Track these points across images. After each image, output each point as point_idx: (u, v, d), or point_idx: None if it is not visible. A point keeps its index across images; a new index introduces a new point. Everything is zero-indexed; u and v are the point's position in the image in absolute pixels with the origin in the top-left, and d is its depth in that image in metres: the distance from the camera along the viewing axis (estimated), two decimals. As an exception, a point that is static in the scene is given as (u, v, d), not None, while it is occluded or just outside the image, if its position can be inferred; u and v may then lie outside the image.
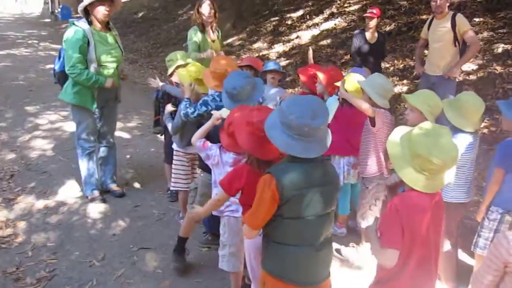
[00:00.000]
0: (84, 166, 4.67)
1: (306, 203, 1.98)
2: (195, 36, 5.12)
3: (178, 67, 4.28)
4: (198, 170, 3.95)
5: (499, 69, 6.33)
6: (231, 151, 2.74)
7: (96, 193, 4.70)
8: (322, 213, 2.07)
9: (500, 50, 6.64)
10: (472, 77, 6.45)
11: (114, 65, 4.48)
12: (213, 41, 5.25)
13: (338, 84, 3.68)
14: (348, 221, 4.17)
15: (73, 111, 4.56)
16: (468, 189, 3.07)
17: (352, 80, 3.62)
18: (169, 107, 3.97)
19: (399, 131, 2.11)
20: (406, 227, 1.92)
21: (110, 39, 4.44)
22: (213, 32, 5.25)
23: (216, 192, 2.89)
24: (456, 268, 3.23)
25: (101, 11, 4.24)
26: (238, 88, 2.92)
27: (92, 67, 4.27)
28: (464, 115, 2.93)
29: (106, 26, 4.43)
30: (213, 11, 5.08)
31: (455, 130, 2.95)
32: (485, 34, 7.09)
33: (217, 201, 2.63)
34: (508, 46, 6.61)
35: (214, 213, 2.95)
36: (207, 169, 3.16)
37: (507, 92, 5.79)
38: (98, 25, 4.32)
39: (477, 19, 7.42)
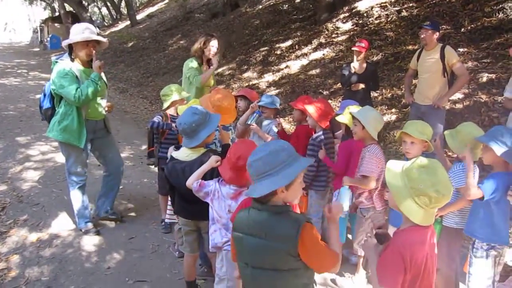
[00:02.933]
0: (77, 198, 4.65)
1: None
2: (197, 70, 5.25)
3: (174, 102, 4.42)
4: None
5: (484, 97, 6.51)
6: (233, 184, 2.78)
7: (90, 225, 4.68)
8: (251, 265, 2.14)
9: (484, 79, 6.84)
10: (459, 105, 6.61)
11: (99, 98, 4.51)
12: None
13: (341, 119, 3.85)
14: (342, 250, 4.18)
15: (61, 146, 4.56)
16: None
17: (351, 111, 3.78)
18: (172, 150, 3.93)
19: (395, 164, 2.17)
20: (409, 265, 1.96)
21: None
22: (209, 66, 5.37)
23: (215, 228, 2.92)
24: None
25: (84, 51, 4.27)
26: (182, 124, 3.05)
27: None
28: (466, 144, 3.06)
29: (89, 62, 4.41)
30: (217, 49, 5.26)
31: (459, 159, 3.15)
32: (470, 64, 7.30)
33: None
34: (492, 75, 6.81)
35: (211, 248, 2.97)
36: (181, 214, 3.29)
37: (493, 120, 5.94)
38: (80, 62, 4.33)
39: (461, 49, 7.65)
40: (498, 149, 2.82)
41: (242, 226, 2.08)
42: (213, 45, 5.22)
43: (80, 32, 4.22)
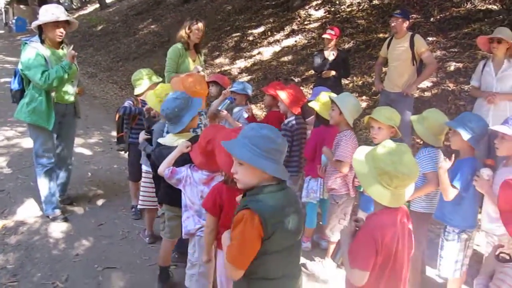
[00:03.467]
0: (44, 184, 4.55)
1: (286, 233, 1.95)
2: (176, 52, 5.06)
3: (150, 88, 4.36)
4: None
5: (451, 86, 6.66)
6: (204, 169, 2.77)
7: (58, 212, 4.58)
8: (297, 239, 2.07)
9: (452, 68, 6.99)
10: (427, 93, 6.75)
11: (69, 83, 4.45)
12: (194, 60, 5.21)
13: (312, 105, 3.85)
14: (313, 235, 4.25)
15: (29, 128, 4.48)
16: (435, 201, 3.23)
17: (323, 97, 3.81)
18: (143, 135, 3.80)
19: (362, 150, 2.21)
20: (380, 248, 2.00)
21: (63, 56, 4.38)
22: (197, 53, 5.26)
23: (187, 215, 2.90)
24: (420, 277, 3.36)
25: (55, 32, 4.21)
26: (165, 109, 3.06)
27: None
28: (434, 131, 3.17)
29: (59, 44, 4.38)
30: (202, 32, 5.12)
31: (425, 145, 3.24)
32: (438, 53, 7.45)
33: (209, 229, 2.63)
34: (460, 65, 6.97)
35: (184, 235, 2.96)
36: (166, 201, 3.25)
37: (459, 108, 6.09)
38: (50, 43, 4.28)
39: (430, 38, 7.79)
40: (465, 134, 2.90)
41: (287, 208, 1.96)
42: (197, 28, 5.03)
43: (49, 12, 4.14)
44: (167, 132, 3.36)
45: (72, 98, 4.55)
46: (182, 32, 5.08)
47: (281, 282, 2.02)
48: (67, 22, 4.27)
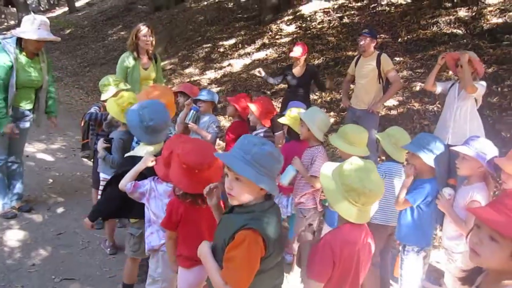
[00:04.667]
0: None
1: (280, 249, 1.96)
2: (126, 61, 4.98)
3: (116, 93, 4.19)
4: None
5: (416, 105, 6.84)
6: (169, 181, 2.68)
7: (7, 208, 4.56)
8: (282, 254, 2.08)
9: (418, 88, 7.18)
10: (393, 112, 6.90)
11: (32, 90, 4.50)
12: (146, 69, 5.10)
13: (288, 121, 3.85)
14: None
15: None
16: (392, 214, 3.27)
17: (293, 112, 3.83)
18: (102, 144, 3.70)
19: (329, 166, 2.22)
20: (338, 260, 2.00)
21: (33, 64, 4.40)
22: (149, 59, 5.14)
23: (151, 231, 2.83)
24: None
25: (34, 46, 4.31)
26: (157, 120, 2.92)
27: (11, 90, 4.23)
28: (397, 147, 3.27)
29: (35, 52, 4.42)
30: (151, 38, 5.02)
31: (388, 159, 3.35)
32: (405, 72, 7.65)
33: (171, 242, 2.60)
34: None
35: (147, 252, 2.88)
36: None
37: (424, 128, 6.25)
38: (27, 53, 4.33)
39: (397, 59, 8.00)
40: (426, 157, 2.97)
41: (279, 225, 1.98)
42: (144, 34, 4.93)
43: (35, 28, 4.19)
44: (137, 142, 3.27)
45: (29, 106, 4.54)
46: (129, 41, 5.00)
47: None
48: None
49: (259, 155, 1.85)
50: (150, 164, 2.77)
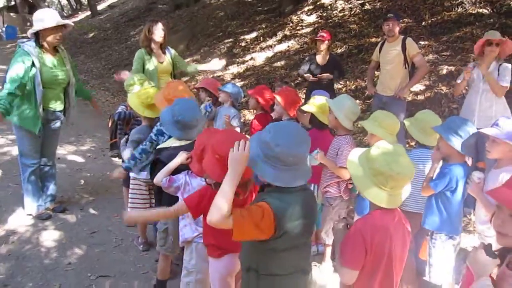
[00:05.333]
0: (28, 184, 4.61)
1: (299, 232, 1.95)
2: (141, 57, 5.09)
3: None
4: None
5: (444, 89, 6.68)
6: (202, 176, 2.68)
7: (42, 209, 4.67)
8: (308, 237, 2.09)
9: (444, 71, 7.01)
10: (420, 97, 6.76)
11: (60, 89, 4.54)
12: (161, 62, 5.19)
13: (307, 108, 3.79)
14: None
15: (15, 128, 4.52)
16: (423, 201, 3.17)
17: (318, 100, 3.74)
18: (123, 143, 3.88)
19: (356, 152, 2.18)
20: (370, 247, 1.97)
21: (56, 61, 4.43)
22: (163, 53, 5.21)
23: (184, 223, 2.85)
24: (415, 274, 3.32)
25: (53, 36, 4.28)
26: (189, 116, 3.01)
27: (38, 90, 4.27)
28: (427, 132, 3.16)
29: (55, 48, 4.45)
30: (164, 33, 5.08)
31: (419, 145, 3.28)
32: (430, 56, 7.47)
33: (167, 213, 2.58)
34: (452, 68, 6.99)
35: (181, 243, 2.90)
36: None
37: (453, 111, 6.10)
38: (47, 48, 4.34)
39: (422, 42, 7.81)
40: (455, 142, 2.86)
41: (303, 209, 1.98)
42: (157, 29, 5.02)
43: (49, 17, 4.21)
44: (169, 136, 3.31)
45: (60, 107, 4.59)
46: (142, 37, 5.07)
47: (292, 278, 2.02)
48: (64, 26, 4.34)
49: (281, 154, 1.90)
50: (186, 162, 2.80)
